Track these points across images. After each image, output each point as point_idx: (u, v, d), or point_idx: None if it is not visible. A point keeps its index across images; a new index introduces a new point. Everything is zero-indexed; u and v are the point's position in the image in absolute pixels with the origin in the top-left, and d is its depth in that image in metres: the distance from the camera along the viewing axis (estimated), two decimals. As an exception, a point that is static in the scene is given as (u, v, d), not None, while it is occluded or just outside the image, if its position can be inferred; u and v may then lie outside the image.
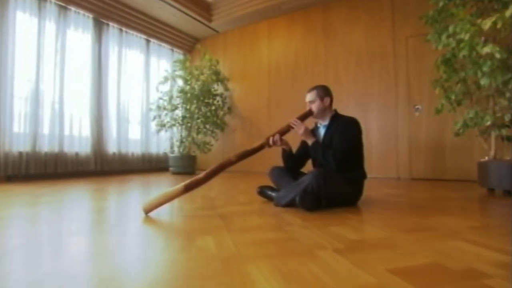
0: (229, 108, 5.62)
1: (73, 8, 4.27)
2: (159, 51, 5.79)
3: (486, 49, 1.99)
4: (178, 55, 6.15)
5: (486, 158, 2.59)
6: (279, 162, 2.13)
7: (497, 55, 1.99)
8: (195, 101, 5.02)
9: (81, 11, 4.38)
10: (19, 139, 3.66)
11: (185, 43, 6.11)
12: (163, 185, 3.33)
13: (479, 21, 2.07)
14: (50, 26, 4.02)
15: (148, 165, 5.44)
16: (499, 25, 1.92)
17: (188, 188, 1.63)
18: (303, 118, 1.94)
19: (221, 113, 5.48)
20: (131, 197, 2.38)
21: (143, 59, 5.48)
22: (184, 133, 5.22)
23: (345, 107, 4.08)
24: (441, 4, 2.47)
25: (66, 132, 4.18)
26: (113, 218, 1.58)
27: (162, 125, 5.10)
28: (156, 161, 5.60)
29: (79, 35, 4.40)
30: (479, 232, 1.23)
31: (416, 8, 3.84)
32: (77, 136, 4.32)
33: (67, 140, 4.17)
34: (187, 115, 5.09)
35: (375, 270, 0.83)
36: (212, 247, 1.05)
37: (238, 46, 5.68)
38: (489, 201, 2.13)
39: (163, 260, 0.92)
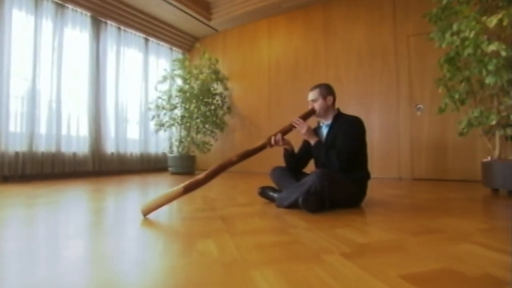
0: (228, 108, 5.58)
1: (70, 6, 4.21)
2: (158, 50, 5.74)
3: (492, 47, 1.95)
4: (177, 54, 6.10)
5: (489, 158, 2.56)
6: (281, 162, 2.09)
7: (503, 53, 1.95)
8: (194, 101, 4.97)
9: (79, 9, 4.33)
10: (15, 138, 3.60)
11: (184, 42, 6.06)
12: (162, 185, 3.29)
13: (483, 18, 2.04)
14: (47, 24, 3.96)
15: (147, 165, 5.38)
16: (505, 22, 1.88)
17: (187, 189, 1.59)
18: (305, 117, 1.89)
19: (220, 112, 5.43)
20: (129, 198, 2.33)
21: (141, 58, 5.42)
22: (183, 133, 5.17)
23: (346, 107, 4.01)
24: (444, 1, 2.42)
25: (64, 131, 4.12)
26: (110, 221, 1.53)
27: (161, 125, 5.05)
28: (155, 161, 5.55)
29: (77, 33, 4.34)
30: (489, 235, 1.20)
31: (417, 6, 3.81)
32: (74, 136, 4.26)
33: (64, 140, 4.12)
34: (186, 115, 5.03)
35: (386, 276, 0.78)
36: (213, 251, 1.00)
37: (237, 45, 5.63)
38: (494, 202, 2.10)
39: (162, 266, 0.88)
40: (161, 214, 1.62)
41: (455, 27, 2.22)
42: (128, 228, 1.37)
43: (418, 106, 3.87)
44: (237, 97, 5.58)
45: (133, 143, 5.18)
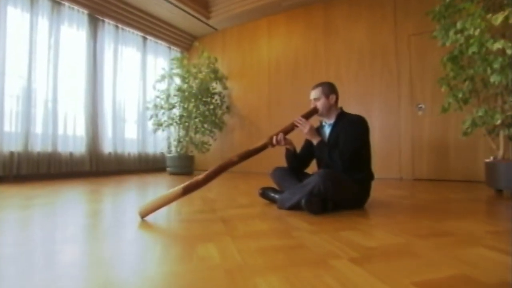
0: (227, 107, 5.52)
1: (67, 4, 4.14)
2: (156, 48, 5.67)
3: (498, 45, 1.92)
4: (176, 53, 6.04)
5: (491, 158, 2.52)
6: (282, 162, 2.04)
7: (509, 51, 1.92)
8: (193, 100, 4.91)
9: (75, 7, 4.26)
10: (10, 138, 3.53)
11: (183, 41, 6.00)
12: (160, 186, 3.23)
13: (489, 16, 2.00)
14: (43, 22, 3.89)
15: (145, 165, 5.32)
16: (511, 20, 1.84)
17: (186, 191, 1.54)
18: (307, 116, 1.85)
19: (219, 112, 5.37)
20: (127, 199, 2.28)
21: (139, 56, 5.35)
22: (181, 133, 5.11)
23: (346, 106, 3.93)
24: (448, -1, 2.39)
25: (60, 131, 4.05)
26: (107, 223, 1.47)
27: (159, 125, 4.98)
28: (153, 161, 5.49)
29: (74, 31, 4.27)
30: (500, 238, 1.15)
31: (418, 5, 3.77)
32: (71, 136, 4.20)
33: (61, 140, 4.05)
34: (185, 114, 4.97)
35: (399, 283, 0.74)
36: (214, 256, 0.96)
37: (237, 44, 5.58)
38: (499, 203, 2.06)
39: (161, 273, 0.83)
40: (160, 216, 1.57)
41: (459, 25, 2.18)
42: (125, 231, 1.32)
43: (419, 105, 3.83)
44: (236, 96, 5.53)
45: (131, 143, 5.11)
